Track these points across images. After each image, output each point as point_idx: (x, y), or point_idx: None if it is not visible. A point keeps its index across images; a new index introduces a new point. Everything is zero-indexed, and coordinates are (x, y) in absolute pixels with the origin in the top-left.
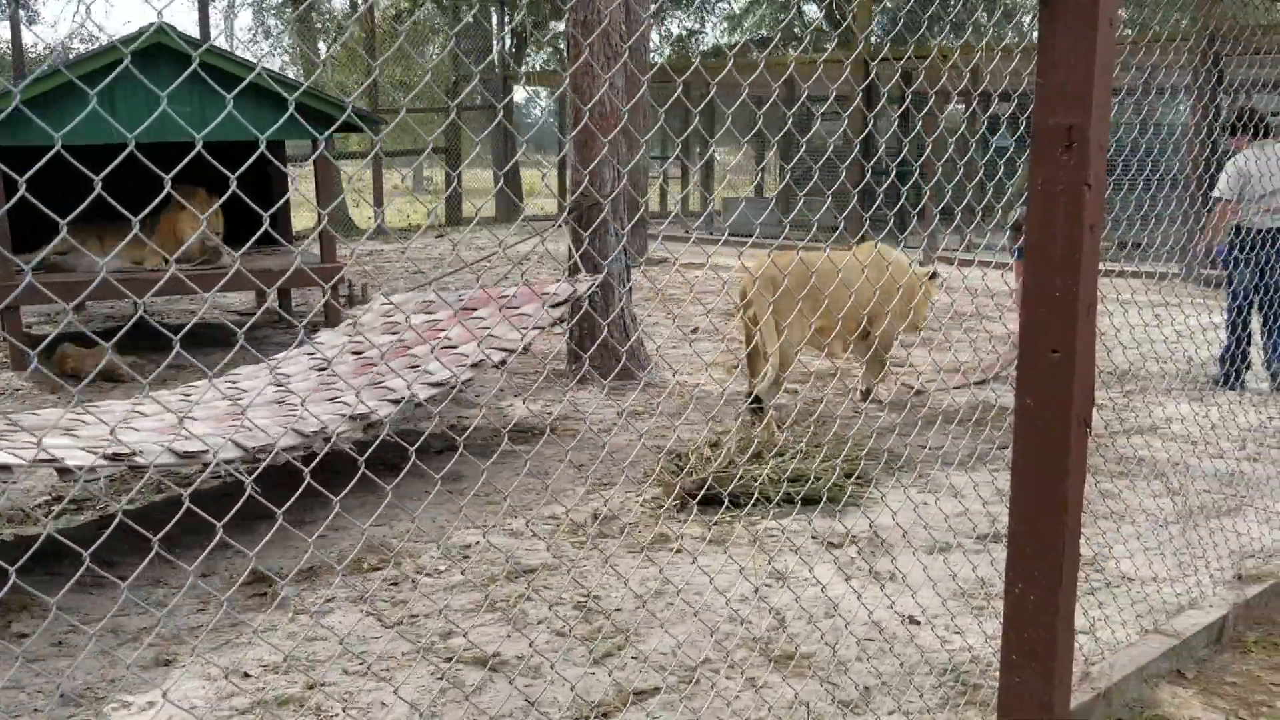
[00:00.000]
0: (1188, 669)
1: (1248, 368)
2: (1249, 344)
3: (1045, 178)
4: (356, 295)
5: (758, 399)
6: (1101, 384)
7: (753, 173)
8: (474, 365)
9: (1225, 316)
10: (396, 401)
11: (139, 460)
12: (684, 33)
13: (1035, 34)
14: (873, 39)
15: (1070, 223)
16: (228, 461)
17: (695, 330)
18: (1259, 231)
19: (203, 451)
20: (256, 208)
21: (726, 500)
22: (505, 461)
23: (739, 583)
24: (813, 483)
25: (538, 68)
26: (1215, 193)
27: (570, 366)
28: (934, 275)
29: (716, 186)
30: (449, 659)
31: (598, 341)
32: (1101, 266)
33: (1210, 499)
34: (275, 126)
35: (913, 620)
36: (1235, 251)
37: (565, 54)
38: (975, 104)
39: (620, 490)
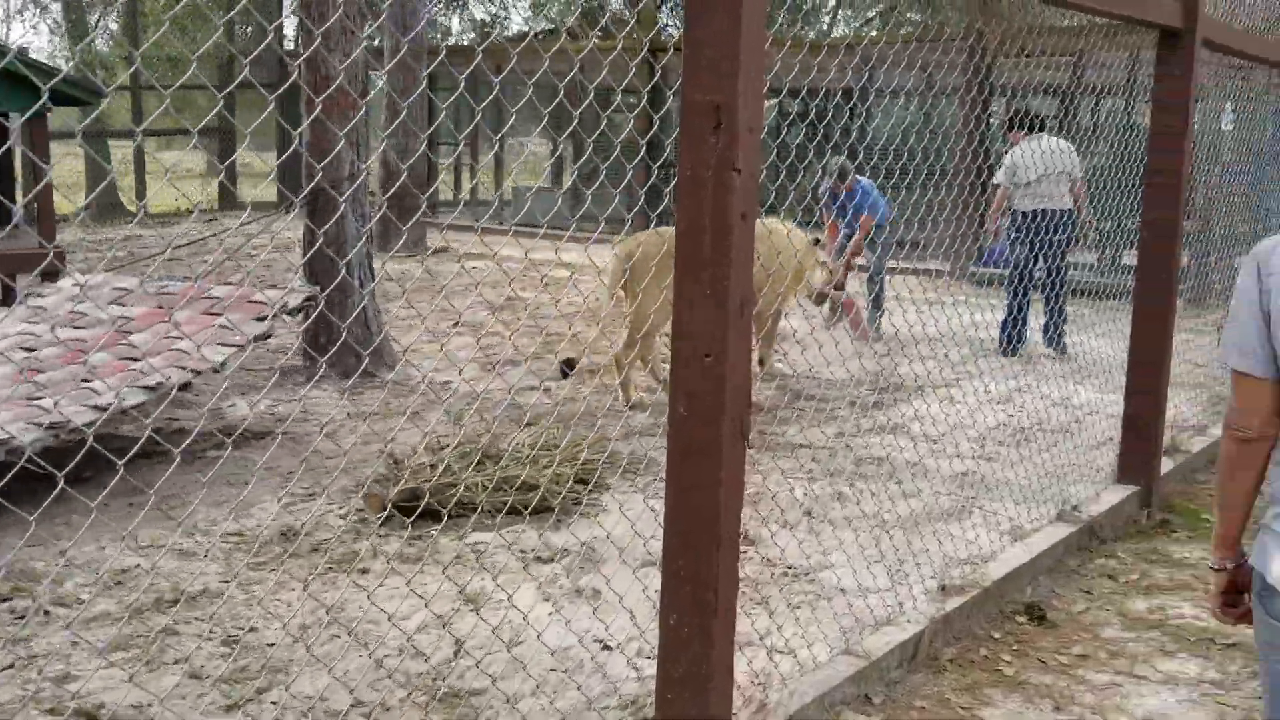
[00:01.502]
0: (875, 693)
1: (1020, 339)
2: (1028, 312)
3: (694, 161)
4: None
5: (571, 363)
6: (856, 382)
7: (547, 160)
8: (149, 389)
9: (1006, 290)
10: (41, 425)
11: None
12: (487, 18)
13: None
14: (668, 29)
15: (719, 210)
16: None
17: (455, 325)
18: (1024, 214)
19: None
20: None
21: (444, 513)
22: (205, 470)
23: (423, 609)
24: (531, 491)
25: None
26: (995, 181)
27: (305, 363)
28: (817, 241)
29: (508, 176)
30: (51, 711)
31: (335, 337)
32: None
33: (940, 501)
34: None
35: (606, 646)
36: (1011, 232)
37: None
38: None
39: (323, 502)
